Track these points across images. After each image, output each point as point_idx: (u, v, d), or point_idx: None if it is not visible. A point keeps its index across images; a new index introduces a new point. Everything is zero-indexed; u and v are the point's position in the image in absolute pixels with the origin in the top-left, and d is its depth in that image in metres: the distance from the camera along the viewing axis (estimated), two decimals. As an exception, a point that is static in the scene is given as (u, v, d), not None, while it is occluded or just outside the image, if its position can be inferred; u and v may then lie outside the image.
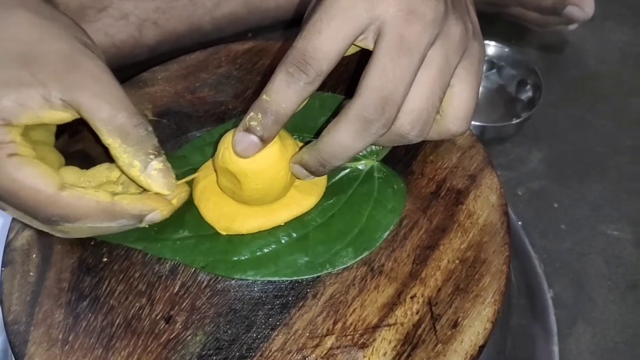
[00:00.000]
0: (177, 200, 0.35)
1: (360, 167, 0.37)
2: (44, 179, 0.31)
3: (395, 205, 0.35)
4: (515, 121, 0.54)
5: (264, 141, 0.32)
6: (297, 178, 0.34)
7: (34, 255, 0.35)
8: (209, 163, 0.37)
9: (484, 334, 0.31)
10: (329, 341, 0.31)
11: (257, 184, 0.33)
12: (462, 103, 0.33)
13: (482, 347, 0.31)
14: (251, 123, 0.31)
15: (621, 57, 0.63)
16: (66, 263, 0.35)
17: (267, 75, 0.44)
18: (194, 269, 0.34)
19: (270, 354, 0.31)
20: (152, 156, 0.33)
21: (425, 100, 0.31)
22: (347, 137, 0.31)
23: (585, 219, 0.53)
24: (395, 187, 0.36)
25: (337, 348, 0.31)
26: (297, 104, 0.31)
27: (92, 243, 0.35)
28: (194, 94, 0.43)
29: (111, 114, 0.32)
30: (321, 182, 0.36)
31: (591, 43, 0.64)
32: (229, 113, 0.42)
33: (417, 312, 0.32)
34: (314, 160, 0.33)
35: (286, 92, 0.31)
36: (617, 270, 0.48)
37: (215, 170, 0.35)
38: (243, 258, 0.34)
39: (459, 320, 0.32)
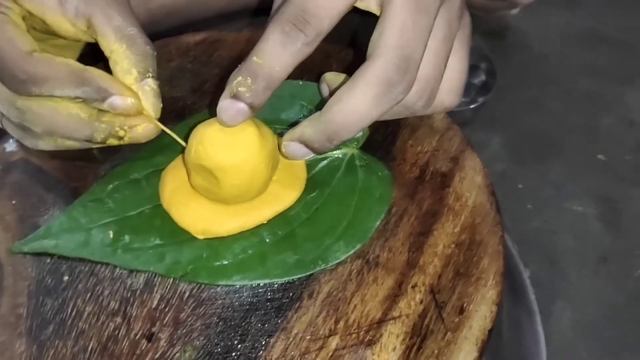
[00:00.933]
0: (142, 128, 0.32)
1: (339, 155, 0.35)
2: (20, 39, 0.31)
3: (383, 193, 0.34)
4: (472, 106, 0.54)
5: (253, 109, 0.29)
6: (290, 159, 0.31)
7: (-20, 281, 0.30)
8: (176, 163, 0.34)
9: (491, 317, 0.30)
10: (333, 342, 0.29)
11: (237, 180, 0.30)
12: (455, 75, 0.32)
13: (490, 331, 0.30)
14: (239, 89, 0.28)
15: (562, 39, 0.65)
16: (20, 286, 0.30)
17: (226, 68, 0.41)
18: (172, 279, 0.31)
19: (271, 364, 0.28)
20: (149, 74, 0.32)
21: (433, 68, 0.30)
22: (365, 104, 0.28)
23: (550, 197, 0.53)
24: (379, 174, 0.34)
25: (343, 348, 0.28)
26: (291, 68, 0.28)
27: (48, 261, 0.31)
28: (147, 91, 0.39)
29: (123, 24, 0.32)
30: (302, 174, 0.34)
31: (532, 27, 0.66)
32: (188, 109, 0.38)
33: (421, 302, 0.30)
34: (320, 134, 0.30)
35: (281, 53, 0.28)
36: (586, 245, 0.48)
37: (187, 169, 0.32)
38: (226, 262, 0.31)
39: (465, 305, 0.30)
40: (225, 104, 0.28)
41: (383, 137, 0.37)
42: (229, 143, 0.29)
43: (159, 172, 0.34)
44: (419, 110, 0.31)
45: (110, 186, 0.34)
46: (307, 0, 0.28)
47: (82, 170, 0.35)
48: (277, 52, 0.28)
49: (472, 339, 0.29)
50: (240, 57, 0.41)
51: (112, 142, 0.32)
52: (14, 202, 0.34)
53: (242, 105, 0.28)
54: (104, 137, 0.32)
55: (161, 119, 0.37)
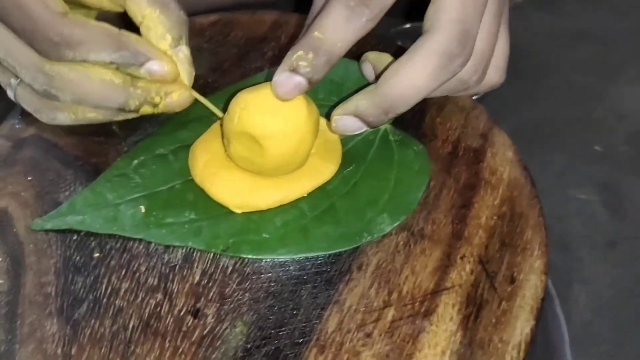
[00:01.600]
0: (178, 96, 0.31)
1: (372, 131, 0.34)
2: (53, 0, 0.28)
3: (422, 166, 0.33)
4: (475, 97, 0.55)
5: (310, 84, 0.28)
6: (340, 133, 0.31)
7: (0, 259, 0.28)
8: (206, 136, 0.32)
9: (542, 286, 0.30)
10: (389, 313, 0.28)
11: (283, 149, 0.29)
12: (501, 52, 0.32)
13: (543, 300, 0.29)
14: (300, 63, 0.27)
15: (549, 38, 0.67)
16: (45, 264, 0.28)
17: (243, 47, 0.40)
18: (212, 254, 0.29)
19: (327, 336, 0.26)
20: (183, 41, 0.31)
21: (486, 43, 0.30)
22: (423, 76, 0.28)
23: (554, 187, 0.54)
24: (414, 148, 0.34)
25: (400, 319, 0.27)
26: (352, 44, 0.28)
27: (75, 238, 0.29)
28: (164, 69, 0.37)
29: None
30: (338, 148, 0.33)
31: (520, 28, 0.67)
32: (209, 86, 0.37)
33: (472, 272, 0.30)
34: (375, 107, 0.29)
35: (344, 29, 0.27)
36: (594, 231, 0.49)
37: (225, 139, 0.30)
38: (267, 236, 0.29)
39: (515, 275, 0.30)
40: (282, 78, 0.27)
41: (411, 115, 0.36)
42: (277, 109, 0.28)
43: (186, 148, 0.32)
44: (472, 85, 0.31)
45: (136, 161, 0.32)
46: None
47: (102, 146, 0.33)
48: (340, 27, 0.27)
49: (527, 307, 0.29)
50: (256, 38, 0.40)
51: (146, 110, 0.30)
52: (29, 178, 0.31)
53: (300, 80, 0.27)
54: (138, 104, 0.30)
55: (182, 96, 0.36)
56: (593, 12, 0.72)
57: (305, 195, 0.31)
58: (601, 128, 0.57)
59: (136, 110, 0.30)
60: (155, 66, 0.29)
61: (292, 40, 0.40)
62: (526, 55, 0.67)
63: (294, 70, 0.27)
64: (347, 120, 0.30)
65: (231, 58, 0.39)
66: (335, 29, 0.27)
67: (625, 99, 0.60)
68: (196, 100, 0.32)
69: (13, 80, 0.31)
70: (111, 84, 0.29)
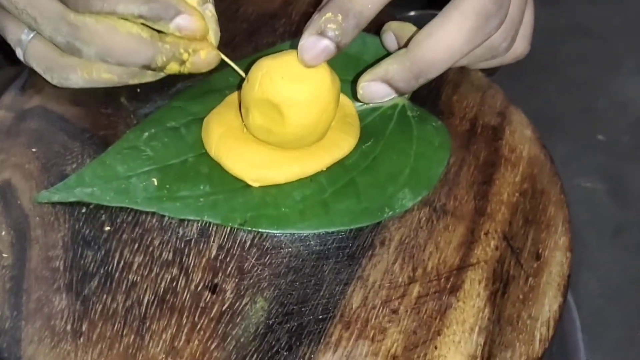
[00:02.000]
0: (205, 54, 0.30)
1: (390, 107, 0.33)
2: None
3: (442, 142, 0.32)
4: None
5: (338, 49, 0.26)
6: (368, 101, 0.30)
7: (3, 233, 0.26)
8: (220, 109, 0.31)
9: (567, 263, 0.29)
10: (415, 289, 0.27)
11: (305, 118, 0.27)
12: (527, 22, 0.31)
13: (569, 277, 0.29)
14: (329, 25, 0.26)
15: (547, 32, 0.67)
16: (52, 238, 0.26)
17: (253, 23, 0.38)
18: (229, 227, 0.28)
19: (352, 312, 0.25)
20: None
21: (517, 9, 0.29)
22: (459, 37, 0.27)
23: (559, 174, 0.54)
24: (433, 124, 0.33)
25: (426, 295, 0.26)
26: (383, 5, 0.27)
27: (83, 211, 0.27)
28: (171, 42, 0.36)
29: None
30: (356, 123, 0.32)
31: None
32: (220, 61, 0.35)
33: (497, 248, 0.29)
34: (407, 72, 0.28)
35: None
36: (600, 218, 0.49)
37: (244, 107, 0.29)
38: (286, 210, 0.28)
39: (540, 252, 0.29)
40: (310, 42, 0.26)
41: (427, 92, 0.36)
42: (300, 76, 0.27)
43: (198, 121, 0.31)
44: (501, 52, 0.30)
45: (147, 134, 0.30)
46: None
47: (111, 118, 0.31)
48: None
49: (554, 284, 0.28)
50: (266, 14, 0.39)
51: (173, 68, 0.29)
52: (34, 150, 0.29)
53: (328, 43, 0.26)
54: (166, 60, 0.29)
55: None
56: (591, 6, 0.72)
57: (324, 169, 0.30)
58: (603, 118, 0.57)
59: (162, 68, 0.29)
60: (185, 21, 0.28)
61: (304, 17, 0.38)
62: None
63: (322, 33, 0.26)
64: (376, 87, 0.29)
65: (242, 33, 0.37)
66: None
67: (625, 90, 0.60)
68: (210, 71, 0.31)
69: (24, 36, 0.29)
70: (139, 38, 0.28)
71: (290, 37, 0.37)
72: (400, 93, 0.30)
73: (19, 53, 0.30)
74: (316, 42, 0.26)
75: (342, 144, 0.30)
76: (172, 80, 0.34)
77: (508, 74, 0.63)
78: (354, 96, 0.33)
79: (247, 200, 0.28)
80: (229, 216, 0.28)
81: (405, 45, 0.30)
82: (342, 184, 0.30)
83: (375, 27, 0.36)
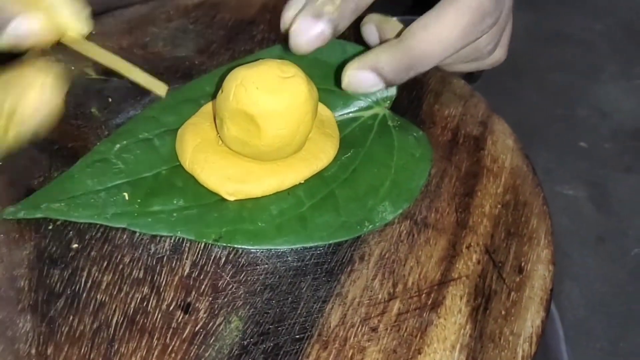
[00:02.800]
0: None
1: (370, 116, 0.32)
2: None
3: (424, 153, 0.31)
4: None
5: (334, 34, 0.25)
6: (352, 90, 0.28)
7: (-35, 251, 0.25)
8: (194, 120, 0.30)
9: (550, 276, 0.28)
10: (395, 306, 0.26)
11: (281, 130, 0.27)
12: (508, 31, 0.31)
13: (551, 291, 0.28)
14: (326, 7, 0.25)
15: (529, 38, 0.67)
16: (17, 256, 0.25)
17: (230, 29, 0.37)
18: (203, 243, 0.27)
19: (330, 331, 0.25)
20: None
21: (505, 16, 0.29)
22: (454, 32, 0.26)
23: (542, 182, 0.54)
24: (415, 134, 0.32)
25: (407, 312, 0.26)
26: None
27: (50, 227, 0.26)
28: (146, 50, 0.35)
29: None
30: (334, 133, 0.31)
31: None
32: (196, 69, 0.34)
33: (479, 262, 0.28)
34: (398, 62, 0.27)
35: None
36: (582, 227, 0.48)
37: (219, 118, 0.28)
38: (262, 225, 0.27)
39: (522, 265, 0.28)
40: (304, 24, 0.25)
41: (408, 102, 0.35)
42: (276, 86, 0.26)
43: (172, 132, 0.30)
44: (485, 54, 0.30)
45: (118, 145, 0.29)
46: None
47: (81, 129, 0.30)
48: None
49: (537, 298, 0.27)
50: (244, 20, 0.38)
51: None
52: (-1, 163, 0.28)
53: (324, 27, 0.25)
54: None
55: (166, 79, 0.33)
56: (572, 13, 0.72)
57: (302, 182, 0.29)
58: (585, 125, 0.57)
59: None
60: (23, 25, 0.24)
61: (282, 23, 0.38)
62: (508, 55, 0.66)
63: (318, 16, 0.25)
64: (363, 75, 0.28)
65: (219, 40, 0.37)
66: None
67: (606, 97, 0.60)
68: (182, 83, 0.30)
69: None
70: None
71: (269, 44, 0.36)
72: (387, 84, 0.28)
73: None
74: (311, 25, 0.25)
75: (320, 155, 0.30)
76: (145, 89, 0.33)
77: (490, 81, 0.63)
78: (331, 106, 0.32)
79: (222, 215, 0.27)
80: (203, 232, 0.27)
81: (397, 36, 0.29)
82: (320, 197, 0.29)
83: (355, 34, 0.35)
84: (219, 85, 0.29)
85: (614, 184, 0.51)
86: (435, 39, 0.27)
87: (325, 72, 0.33)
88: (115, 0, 0.46)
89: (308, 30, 0.25)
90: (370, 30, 0.32)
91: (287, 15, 0.28)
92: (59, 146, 0.29)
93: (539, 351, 0.27)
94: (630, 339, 0.42)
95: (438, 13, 0.27)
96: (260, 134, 0.27)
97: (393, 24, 0.31)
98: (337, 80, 0.32)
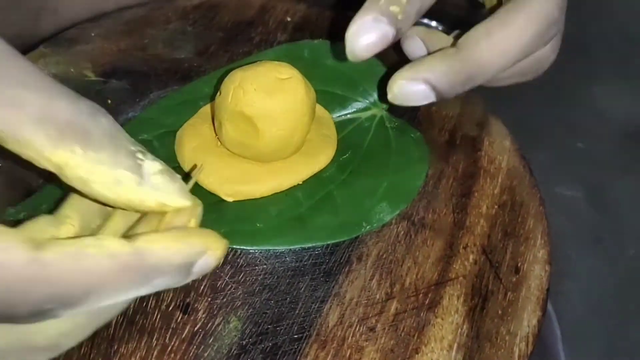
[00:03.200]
0: (195, 221, 0.21)
1: (367, 117, 0.33)
2: (5, 236, 0.17)
3: (421, 154, 0.32)
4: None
5: (395, 37, 0.23)
6: (399, 102, 0.26)
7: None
8: (193, 121, 0.30)
9: (546, 276, 0.29)
10: (392, 306, 0.26)
11: (279, 131, 0.27)
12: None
13: (548, 291, 0.28)
14: (391, 8, 0.23)
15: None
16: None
17: (230, 32, 0.38)
18: (202, 244, 0.27)
19: (328, 331, 0.25)
20: (139, 154, 0.19)
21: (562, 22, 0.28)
22: (520, 42, 0.25)
23: (540, 183, 0.54)
24: (412, 136, 0.32)
25: (404, 312, 0.26)
26: None
27: (50, 228, 0.26)
28: (145, 51, 0.35)
29: (44, 108, 0.18)
30: (332, 134, 0.31)
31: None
32: (195, 70, 0.35)
33: (475, 262, 0.28)
34: (455, 74, 0.25)
35: None
36: (580, 227, 0.49)
37: (217, 120, 0.28)
38: (261, 226, 0.28)
39: (519, 265, 0.29)
40: (366, 25, 0.23)
41: (406, 103, 0.35)
42: (274, 88, 0.26)
43: (171, 133, 0.30)
44: (546, 66, 0.29)
45: (117, 147, 0.29)
46: None
47: (80, 131, 0.30)
48: None
49: (533, 298, 0.28)
50: (242, 22, 0.38)
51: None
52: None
53: (387, 29, 0.23)
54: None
55: (165, 80, 0.34)
56: (569, 16, 0.72)
57: (301, 183, 0.29)
58: (581, 127, 0.57)
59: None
60: (207, 262, 0.19)
61: (281, 25, 0.38)
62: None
63: (382, 16, 0.23)
64: (416, 87, 0.25)
65: (217, 42, 0.37)
66: None
67: (602, 98, 0.60)
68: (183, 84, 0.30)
69: None
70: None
71: (267, 46, 0.37)
72: (441, 98, 0.26)
73: None
74: (374, 26, 0.23)
75: (318, 156, 0.30)
76: (144, 90, 0.33)
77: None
78: (329, 107, 0.32)
79: (221, 216, 0.28)
80: (202, 232, 0.27)
81: (454, 45, 0.27)
82: (318, 198, 0.29)
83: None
84: (217, 87, 0.29)
85: (611, 185, 0.51)
86: (498, 47, 0.25)
87: (323, 74, 0.33)
88: (113, 2, 0.46)
89: (369, 32, 0.23)
90: (415, 43, 0.29)
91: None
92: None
93: (536, 351, 0.27)
94: (627, 338, 0.43)
95: (504, 19, 0.25)
96: (258, 135, 0.27)
97: (440, 36, 0.29)
98: (343, 84, 0.32)
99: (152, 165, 0.19)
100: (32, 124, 0.18)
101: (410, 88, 0.26)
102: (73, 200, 0.21)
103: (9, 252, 0.16)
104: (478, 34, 0.25)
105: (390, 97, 0.26)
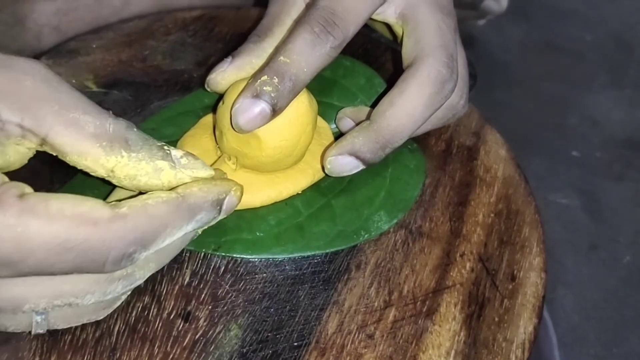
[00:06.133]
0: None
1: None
2: (87, 202, 0.21)
3: (418, 164, 0.32)
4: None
5: (275, 112, 0.26)
6: (336, 174, 0.29)
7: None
8: (193, 132, 0.31)
9: (542, 284, 0.29)
10: (391, 313, 0.26)
11: (282, 141, 0.27)
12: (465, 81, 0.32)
13: (544, 298, 0.29)
14: (264, 88, 0.25)
15: (521, 47, 0.68)
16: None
17: (228, 43, 0.38)
18: (202, 253, 0.27)
19: (328, 338, 0.25)
20: (165, 146, 0.24)
21: (462, 67, 0.30)
22: (419, 105, 0.28)
23: (534, 191, 0.54)
24: (409, 146, 0.33)
25: (402, 319, 0.26)
26: (318, 70, 0.27)
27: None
28: (145, 62, 0.36)
29: (97, 126, 0.22)
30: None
31: (494, 37, 0.68)
32: (194, 81, 0.35)
33: (472, 270, 0.29)
34: (373, 143, 0.28)
35: (310, 54, 0.26)
36: (575, 234, 0.49)
37: (218, 131, 0.28)
38: (261, 234, 0.28)
39: (515, 273, 0.29)
40: (245, 104, 0.25)
41: (402, 113, 0.36)
42: (273, 98, 0.27)
43: (172, 144, 0.30)
44: (460, 110, 0.31)
45: (119, 157, 0.30)
46: (335, 4, 0.27)
47: (81, 141, 0.31)
48: (305, 52, 0.27)
49: (529, 305, 0.28)
50: (241, 34, 0.39)
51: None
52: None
53: (264, 106, 0.25)
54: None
55: (165, 91, 0.34)
56: (563, 24, 0.73)
57: (300, 192, 0.30)
58: (576, 135, 0.58)
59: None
60: (231, 201, 0.24)
61: (279, 37, 0.38)
62: (501, 65, 0.67)
63: (257, 95, 0.25)
64: (343, 160, 0.28)
65: (217, 53, 0.37)
66: (301, 53, 0.26)
67: (597, 106, 0.61)
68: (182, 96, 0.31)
69: (39, 317, 0.22)
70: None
71: (266, 57, 0.37)
72: (367, 164, 0.29)
73: (37, 331, 0.23)
74: (251, 105, 0.25)
75: (317, 166, 0.30)
76: (145, 101, 0.34)
77: (482, 92, 0.64)
78: (328, 118, 0.33)
79: (221, 225, 0.28)
80: (203, 241, 0.27)
81: (368, 118, 0.30)
82: (317, 207, 0.30)
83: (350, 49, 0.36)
84: (218, 98, 0.30)
85: (605, 193, 0.52)
86: (402, 113, 0.28)
87: (322, 85, 0.34)
88: (114, 15, 0.47)
89: (248, 110, 0.26)
90: (345, 122, 0.32)
91: (210, 76, 0.30)
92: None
93: (532, 357, 0.28)
94: (622, 345, 0.43)
95: (400, 89, 0.28)
96: (261, 145, 0.27)
97: (364, 110, 0.31)
98: (341, 96, 0.33)
99: (177, 152, 0.24)
100: (90, 140, 0.22)
101: (340, 161, 0.29)
102: (116, 192, 0.26)
103: (96, 211, 0.21)
104: (384, 105, 0.29)
105: (326, 171, 0.29)
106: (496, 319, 0.27)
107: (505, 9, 0.59)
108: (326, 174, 0.30)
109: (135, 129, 0.24)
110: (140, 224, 0.21)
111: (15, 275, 0.20)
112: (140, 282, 0.23)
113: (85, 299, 0.22)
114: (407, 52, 0.30)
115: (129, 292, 0.24)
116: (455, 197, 0.32)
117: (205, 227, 0.25)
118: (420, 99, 0.28)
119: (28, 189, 0.21)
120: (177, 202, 0.22)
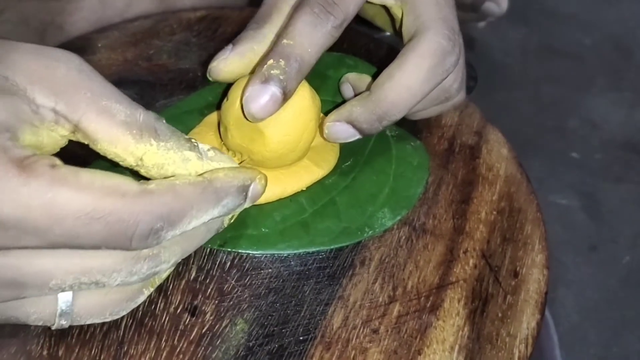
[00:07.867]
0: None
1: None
2: (116, 176, 0.21)
3: (421, 162, 0.32)
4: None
5: (285, 95, 0.26)
6: (332, 140, 0.29)
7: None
8: (199, 129, 0.31)
9: (545, 280, 0.29)
10: (395, 309, 0.27)
11: (285, 137, 0.28)
12: (463, 70, 0.32)
13: (546, 294, 0.29)
14: (272, 72, 0.26)
15: (522, 50, 0.68)
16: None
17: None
18: (208, 249, 0.27)
19: (333, 333, 0.25)
20: (192, 139, 0.25)
21: (462, 51, 0.30)
22: (419, 78, 0.28)
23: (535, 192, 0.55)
24: (412, 144, 0.33)
25: (407, 315, 0.26)
26: (322, 51, 0.27)
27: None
28: (150, 62, 0.36)
29: (128, 115, 0.23)
30: (335, 143, 0.32)
31: (494, 41, 0.68)
32: (199, 80, 0.35)
33: (475, 267, 0.29)
34: (370, 114, 0.28)
35: (312, 34, 0.27)
36: (575, 235, 0.49)
37: (223, 127, 0.29)
38: (266, 231, 0.28)
39: (518, 269, 0.29)
40: (255, 91, 0.25)
41: (405, 112, 0.36)
42: (279, 95, 0.27)
43: (177, 141, 0.31)
44: (453, 93, 0.31)
45: (125, 154, 0.30)
46: None
47: (88, 139, 0.31)
48: (307, 33, 0.27)
49: (532, 301, 0.28)
50: (245, 34, 0.39)
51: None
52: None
53: (274, 90, 0.25)
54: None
55: (170, 90, 0.35)
56: (563, 27, 0.74)
57: (304, 189, 0.30)
58: (576, 137, 0.58)
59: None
60: (257, 189, 0.25)
61: (282, 37, 0.39)
62: (501, 67, 0.68)
63: (266, 80, 0.26)
64: (340, 127, 0.29)
65: (220, 53, 0.38)
66: (303, 34, 0.27)
67: (596, 109, 0.62)
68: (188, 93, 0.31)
69: (63, 304, 0.22)
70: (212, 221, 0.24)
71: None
72: (364, 134, 0.29)
73: (60, 324, 0.22)
74: (262, 91, 0.25)
75: (322, 163, 0.31)
76: (150, 100, 0.34)
77: (484, 93, 0.64)
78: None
79: (226, 221, 0.28)
80: (209, 237, 0.27)
81: (368, 89, 0.30)
82: (322, 204, 0.30)
83: (351, 48, 0.36)
84: (222, 96, 0.30)
85: (605, 194, 0.52)
86: (401, 86, 0.28)
87: (325, 84, 0.34)
88: (117, 16, 0.47)
89: (259, 97, 0.26)
90: (346, 88, 0.33)
91: (212, 64, 0.30)
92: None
93: (533, 356, 0.28)
94: (622, 344, 0.43)
95: (401, 61, 0.28)
96: (265, 140, 0.28)
97: (366, 79, 0.32)
98: (338, 93, 0.33)
99: (203, 145, 0.25)
100: (121, 127, 0.23)
101: (337, 128, 0.29)
102: None
103: (125, 185, 0.21)
104: (383, 77, 0.29)
105: (324, 135, 0.30)
106: (499, 315, 0.27)
107: (505, 11, 0.59)
108: (325, 138, 0.30)
109: (164, 121, 0.24)
110: (167, 200, 0.21)
111: (43, 245, 0.20)
112: (165, 267, 0.23)
113: (112, 277, 0.22)
114: (407, 29, 0.30)
115: (152, 289, 0.24)
116: (458, 195, 0.32)
117: (231, 217, 0.25)
118: (419, 72, 0.28)
119: (59, 162, 0.21)
120: (203, 185, 0.23)
